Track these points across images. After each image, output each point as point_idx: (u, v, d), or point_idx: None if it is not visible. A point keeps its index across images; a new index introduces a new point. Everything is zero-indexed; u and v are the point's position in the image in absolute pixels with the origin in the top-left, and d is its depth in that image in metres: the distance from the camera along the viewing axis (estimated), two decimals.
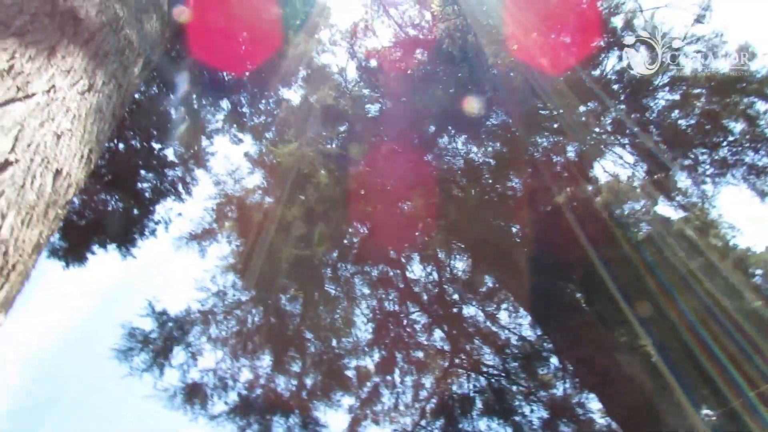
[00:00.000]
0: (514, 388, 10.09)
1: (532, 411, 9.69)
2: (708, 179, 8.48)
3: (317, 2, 10.16)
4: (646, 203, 9.59)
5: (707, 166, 8.42)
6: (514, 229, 9.66)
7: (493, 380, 10.35)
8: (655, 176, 9.01)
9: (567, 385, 9.63)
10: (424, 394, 10.59)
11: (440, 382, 10.57)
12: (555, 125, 9.16)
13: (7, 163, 1.46)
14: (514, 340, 10.37)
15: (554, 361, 9.82)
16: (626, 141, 9.27)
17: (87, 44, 2.47)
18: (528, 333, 10.25)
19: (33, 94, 1.78)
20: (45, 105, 1.85)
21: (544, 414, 9.52)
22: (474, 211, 8.50)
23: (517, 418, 9.67)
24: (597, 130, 9.27)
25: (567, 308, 8.33)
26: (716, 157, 8.26)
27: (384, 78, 10.76)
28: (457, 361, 10.83)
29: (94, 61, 2.44)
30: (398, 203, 9.90)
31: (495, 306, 10.63)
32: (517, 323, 10.37)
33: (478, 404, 10.11)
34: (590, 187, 9.36)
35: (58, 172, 1.78)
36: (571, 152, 9.47)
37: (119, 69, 2.75)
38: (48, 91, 1.91)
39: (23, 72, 1.84)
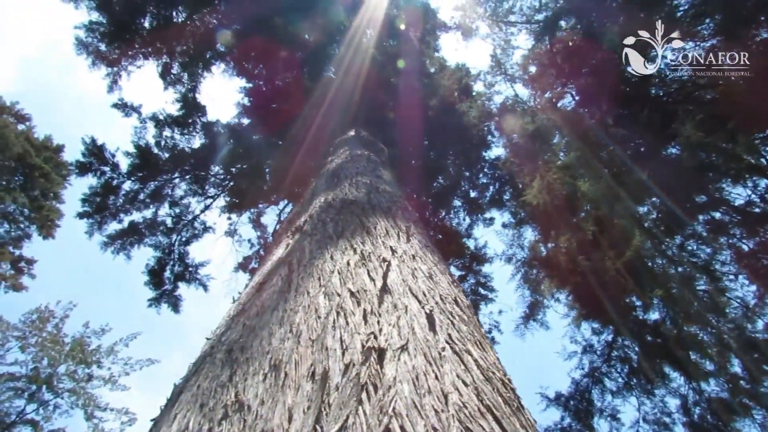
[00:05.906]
0: None
1: None
2: None
3: (450, 67, 10.46)
4: None
5: None
6: None
7: None
8: None
9: None
10: None
11: None
12: None
13: (431, 315, 1.52)
14: None
15: None
16: None
17: (374, 209, 2.75)
18: None
19: (390, 261, 1.93)
20: (401, 262, 1.99)
21: None
22: None
23: None
24: None
25: None
26: None
27: (553, 73, 10.15)
28: None
29: (390, 218, 2.67)
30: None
31: None
32: None
33: None
34: None
35: (455, 301, 1.82)
36: None
37: (403, 211, 2.98)
38: (393, 254, 2.07)
39: (371, 252, 2.04)
